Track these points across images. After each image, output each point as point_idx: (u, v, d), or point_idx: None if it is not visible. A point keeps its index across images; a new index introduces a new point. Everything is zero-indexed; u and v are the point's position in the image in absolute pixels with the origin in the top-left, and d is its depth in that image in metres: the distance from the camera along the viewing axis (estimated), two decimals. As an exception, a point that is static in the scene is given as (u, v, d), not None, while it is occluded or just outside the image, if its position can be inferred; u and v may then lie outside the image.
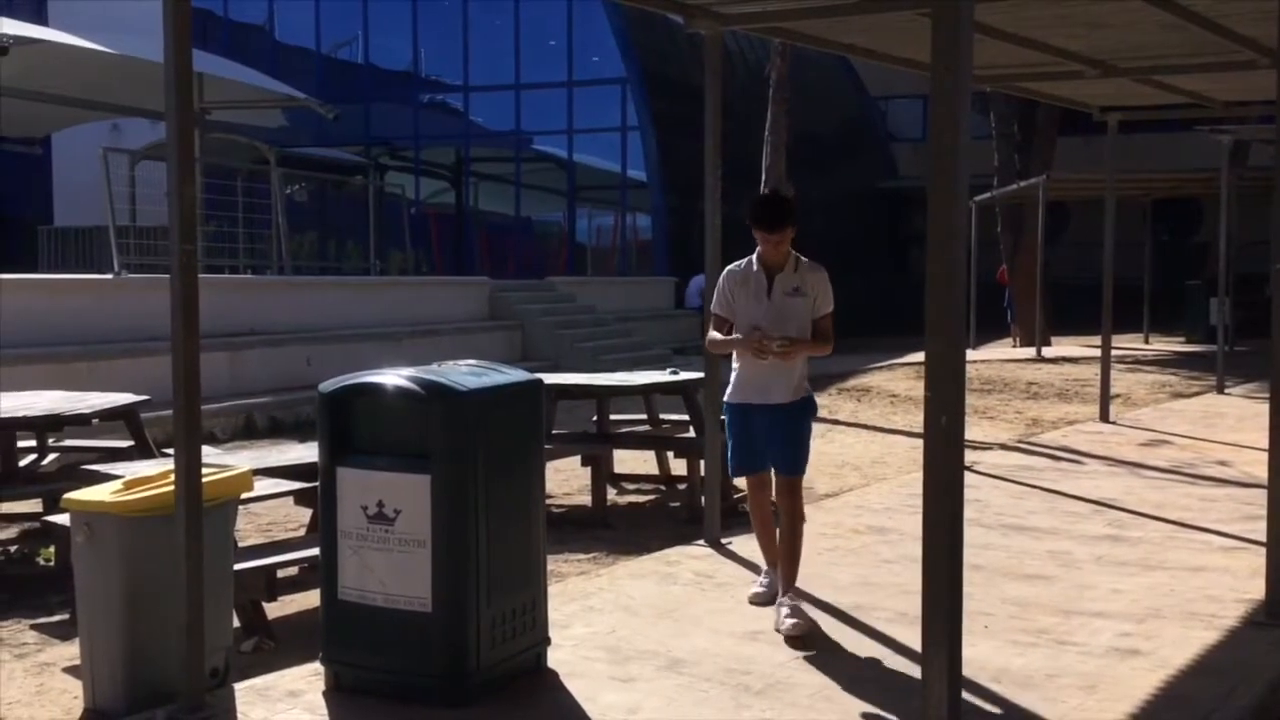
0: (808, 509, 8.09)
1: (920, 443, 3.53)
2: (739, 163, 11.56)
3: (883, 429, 12.41)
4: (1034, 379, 16.30)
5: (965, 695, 3.61)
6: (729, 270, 5.53)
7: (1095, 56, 8.42)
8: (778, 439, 5.40)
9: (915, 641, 3.62)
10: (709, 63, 6.99)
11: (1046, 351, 19.37)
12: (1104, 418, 12.20)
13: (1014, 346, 21.49)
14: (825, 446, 11.20)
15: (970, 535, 3.73)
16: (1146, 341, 21.67)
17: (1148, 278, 21.94)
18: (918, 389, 13.90)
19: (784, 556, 5.45)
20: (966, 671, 3.67)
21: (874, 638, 5.18)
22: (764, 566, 5.76)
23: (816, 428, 12.24)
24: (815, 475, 9.67)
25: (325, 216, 21.19)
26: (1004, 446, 10.82)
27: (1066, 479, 9.00)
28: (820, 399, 14.39)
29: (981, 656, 4.79)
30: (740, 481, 6.82)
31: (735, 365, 5.54)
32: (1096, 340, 13.11)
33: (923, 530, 3.45)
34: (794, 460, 5.43)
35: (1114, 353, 12.98)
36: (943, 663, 3.41)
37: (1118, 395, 13.77)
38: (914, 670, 3.65)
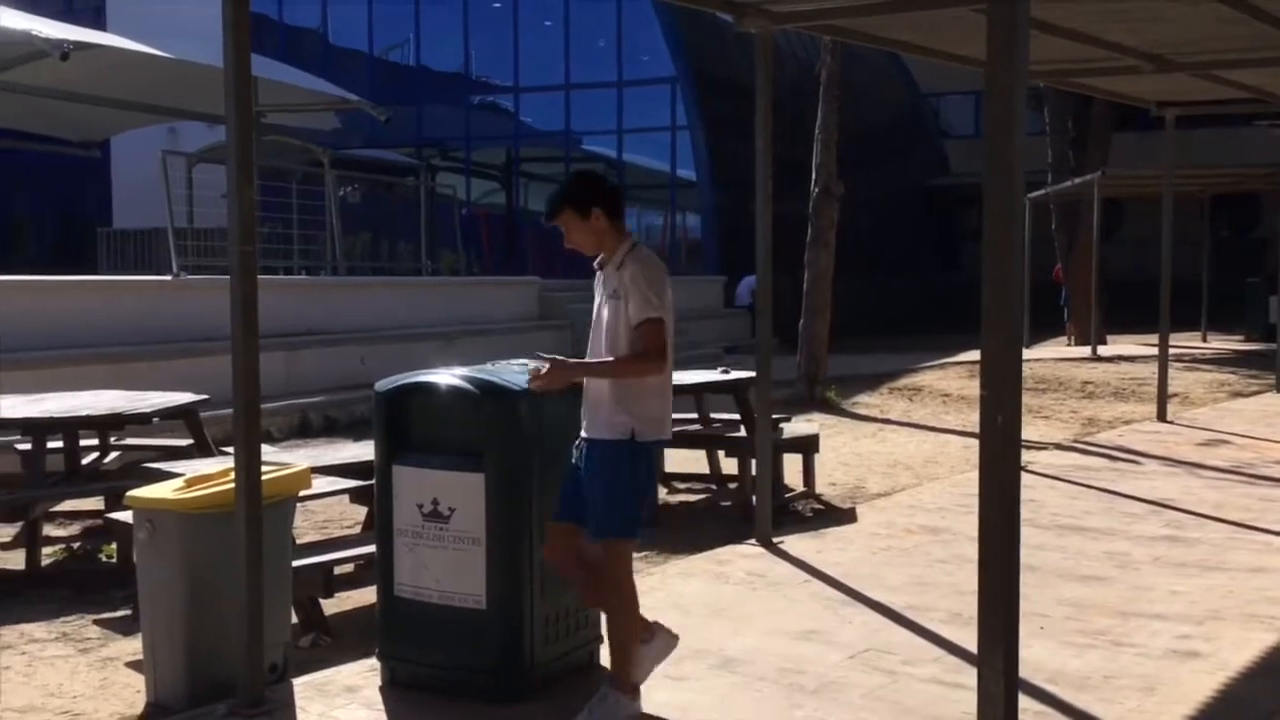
0: (860, 509, 8.08)
1: (973, 442, 3.51)
2: (789, 161, 11.52)
3: (935, 428, 12.32)
4: (1090, 378, 16.10)
5: (1021, 696, 3.59)
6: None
7: (1153, 51, 8.31)
8: (586, 486, 4.10)
9: (970, 642, 3.59)
10: (760, 61, 6.97)
11: (1102, 350, 19.13)
12: (1161, 417, 12.04)
13: (1069, 345, 21.25)
14: (877, 446, 11.15)
15: (1025, 536, 3.70)
16: (1204, 340, 21.34)
17: (1206, 275, 21.60)
18: (970, 388, 13.79)
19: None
20: (1022, 672, 3.64)
21: (927, 638, 5.16)
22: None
23: (868, 427, 12.36)
24: (867, 474, 9.64)
25: (378, 217, 21.37)
26: (1059, 446, 10.71)
27: (1123, 479, 8.90)
28: (871, 398, 14.56)
29: (1037, 658, 4.76)
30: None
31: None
32: (1153, 339, 12.93)
33: (978, 530, 3.43)
34: (597, 518, 4.05)
35: (1171, 351, 12.80)
36: (999, 663, 3.39)
37: (1175, 394, 13.58)
38: (969, 671, 3.63)
